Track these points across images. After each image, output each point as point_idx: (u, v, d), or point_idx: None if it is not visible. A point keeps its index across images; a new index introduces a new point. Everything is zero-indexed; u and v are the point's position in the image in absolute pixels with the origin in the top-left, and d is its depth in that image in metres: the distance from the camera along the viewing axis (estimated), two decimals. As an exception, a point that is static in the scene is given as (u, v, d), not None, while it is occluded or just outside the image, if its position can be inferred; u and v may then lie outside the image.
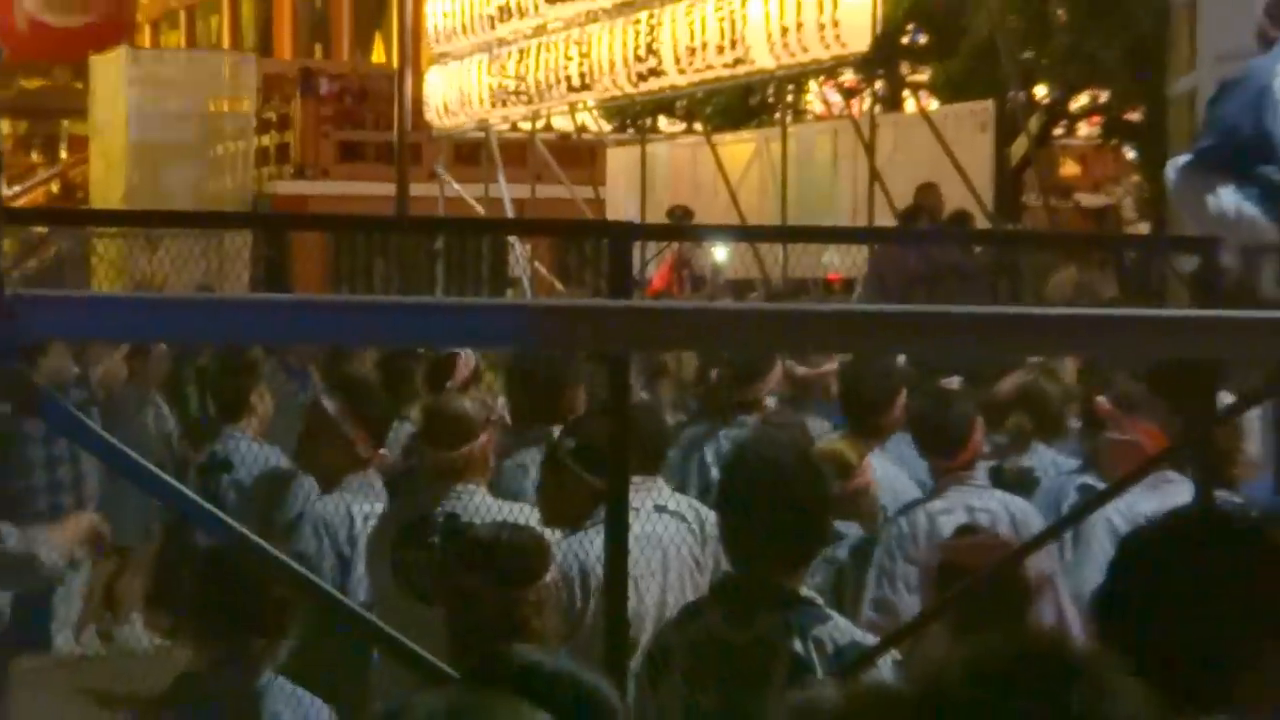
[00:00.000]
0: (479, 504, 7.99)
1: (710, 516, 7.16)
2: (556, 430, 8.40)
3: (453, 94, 26.59)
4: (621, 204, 25.87)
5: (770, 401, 10.47)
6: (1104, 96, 24.48)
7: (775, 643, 5.31)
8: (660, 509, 7.45)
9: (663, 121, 28.11)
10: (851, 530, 8.07)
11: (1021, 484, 8.87)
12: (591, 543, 6.86)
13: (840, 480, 7.63)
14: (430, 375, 11.50)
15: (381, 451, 8.68)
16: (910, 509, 8.06)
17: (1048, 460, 9.40)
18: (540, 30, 23.98)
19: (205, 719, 5.81)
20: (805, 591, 5.65)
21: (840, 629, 5.53)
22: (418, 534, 7.67)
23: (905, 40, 24.05)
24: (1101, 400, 9.28)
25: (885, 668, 5.32)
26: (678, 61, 20.65)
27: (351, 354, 13.41)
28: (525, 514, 8.07)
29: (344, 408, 8.45)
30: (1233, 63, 11.89)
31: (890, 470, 8.79)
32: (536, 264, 25.02)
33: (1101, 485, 7.87)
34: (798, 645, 5.33)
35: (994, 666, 2.17)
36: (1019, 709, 2.12)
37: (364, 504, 8.15)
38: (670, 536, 7.36)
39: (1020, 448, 9.28)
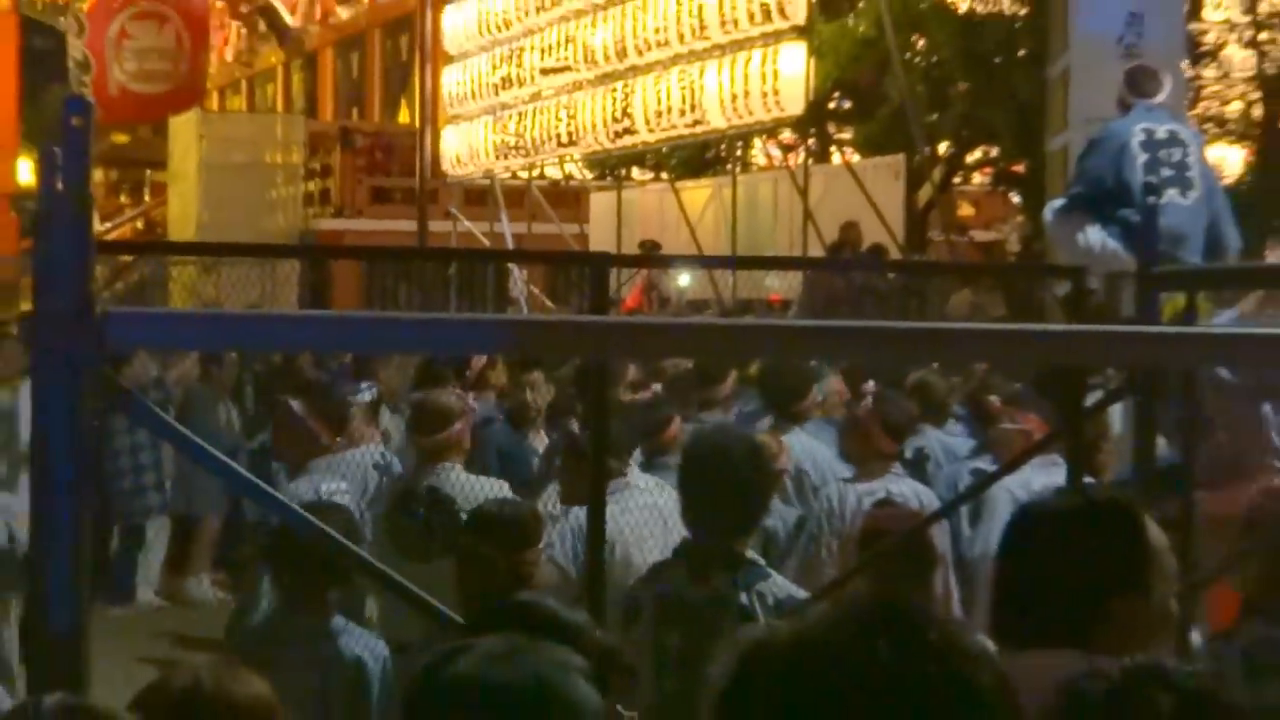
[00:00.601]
0: (456, 479, 8.05)
1: None
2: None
3: (464, 148, 26.52)
4: (601, 238, 25.82)
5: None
6: (994, 152, 24.45)
7: (726, 596, 5.32)
8: (661, 485, 7.46)
9: (635, 171, 28.09)
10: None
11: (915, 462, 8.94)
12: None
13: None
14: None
15: (339, 439, 8.73)
16: (841, 487, 8.10)
17: (934, 438, 9.46)
18: (536, 97, 23.93)
19: (290, 654, 5.77)
20: (750, 554, 5.66)
21: (779, 585, 5.54)
22: (406, 504, 7.68)
23: (832, 105, 24.01)
24: (994, 399, 9.32)
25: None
26: (647, 122, 20.62)
27: (315, 361, 13.44)
28: (499, 487, 8.12)
29: (307, 406, 8.49)
30: (1098, 123, 11.92)
31: (810, 444, 8.89)
32: (532, 287, 24.93)
33: (991, 469, 7.91)
34: (744, 598, 5.34)
35: (858, 615, 2.14)
36: (870, 648, 2.08)
37: (330, 483, 8.18)
38: (670, 506, 7.37)
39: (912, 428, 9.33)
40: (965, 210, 27.22)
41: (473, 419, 8.98)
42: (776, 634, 2.15)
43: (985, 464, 8.61)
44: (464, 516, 7.79)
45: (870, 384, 10.23)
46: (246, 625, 6.60)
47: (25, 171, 37.99)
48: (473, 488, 8.06)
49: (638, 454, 8.51)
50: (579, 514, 7.04)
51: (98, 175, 37.33)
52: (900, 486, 8.02)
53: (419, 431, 8.42)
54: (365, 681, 5.84)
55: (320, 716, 5.72)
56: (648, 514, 7.38)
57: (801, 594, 5.56)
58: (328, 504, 6.55)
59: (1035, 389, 9.48)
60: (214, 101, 43.31)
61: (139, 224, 38.47)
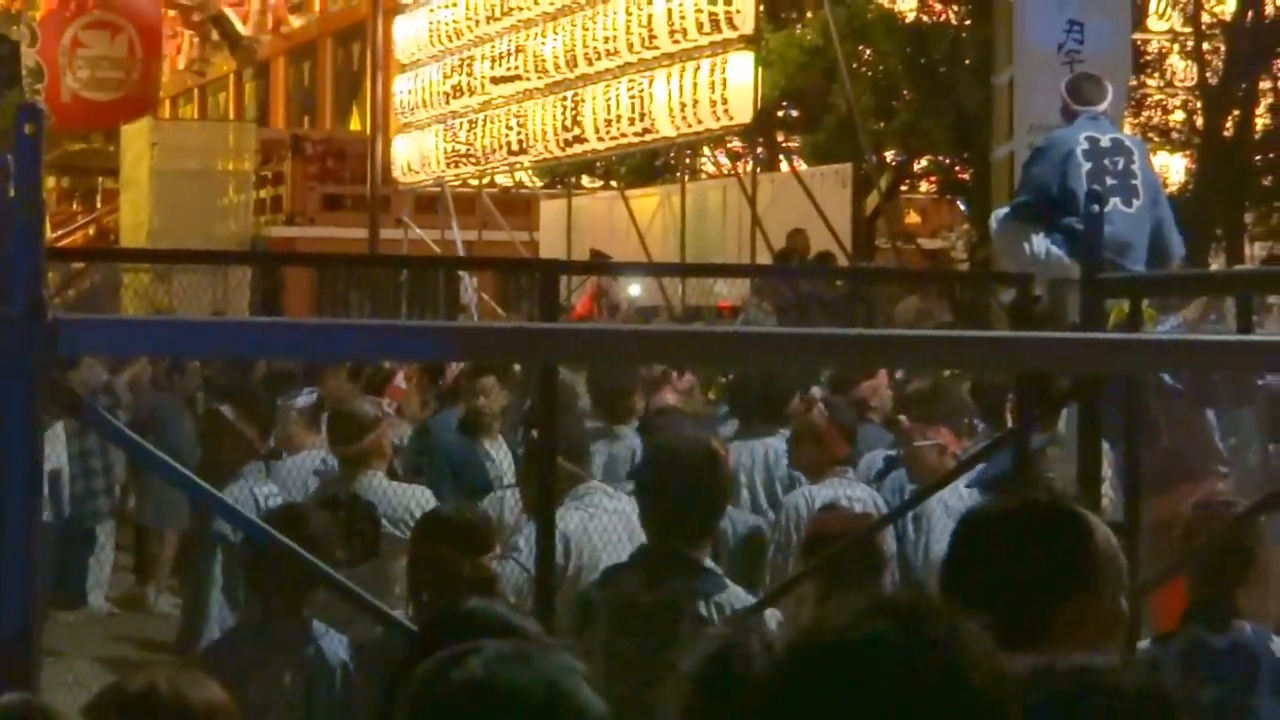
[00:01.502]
0: (378, 486, 8.06)
1: None
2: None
3: (415, 156, 26.50)
4: (552, 246, 25.78)
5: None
6: (940, 160, 24.52)
7: (682, 604, 5.29)
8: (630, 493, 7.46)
9: (585, 179, 28.08)
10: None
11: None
12: (564, 518, 6.86)
13: None
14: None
15: (269, 443, 8.80)
16: (800, 494, 8.12)
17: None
18: (486, 105, 23.93)
19: (271, 658, 5.77)
20: (708, 563, 5.63)
21: (737, 595, 5.51)
22: (330, 510, 7.66)
23: (780, 114, 24.05)
24: (903, 419, 9.35)
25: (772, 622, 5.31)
26: (597, 131, 20.64)
27: (243, 367, 13.40)
28: (422, 494, 8.14)
29: (238, 411, 8.48)
30: (1042, 132, 11.96)
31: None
32: (483, 294, 24.91)
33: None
34: (701, 607, 5.30)
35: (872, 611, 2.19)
36: (888, 642, 2.14)
37: (262, 486, 8.18)
38: (633, 511, 7.38)
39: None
40: (911, 218, 27.33)
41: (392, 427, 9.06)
42: (820, 633, 2.18)
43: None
44: (385, 522, 7.84)
45: (815, 391, 10.23)
46: (227, 633, 6.54)
47: (-23, 179, 37.88)
48: (393, 494, 8.10)
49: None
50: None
51: (50, 182, 37.19)
52: (853, 490, 8.04)
53: (337, 441, 8.49)
54: (350, 684, 5.81)
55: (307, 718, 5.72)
56: (614, 519, 7.37)
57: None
58: (302, 511, 6.51)
59: (972, 394, 9.53)
60: (166, 109, 43.19)
61: (91, 231, 38.36)
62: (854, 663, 2.14)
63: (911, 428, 8.84)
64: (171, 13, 41.90)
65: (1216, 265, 19.46)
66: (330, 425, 8.84)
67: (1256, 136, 22.73)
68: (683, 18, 18.49)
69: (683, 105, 18.60)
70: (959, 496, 6.84)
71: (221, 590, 7.63)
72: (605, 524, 7.32)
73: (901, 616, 2.19)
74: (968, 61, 20.51)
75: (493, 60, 23.51)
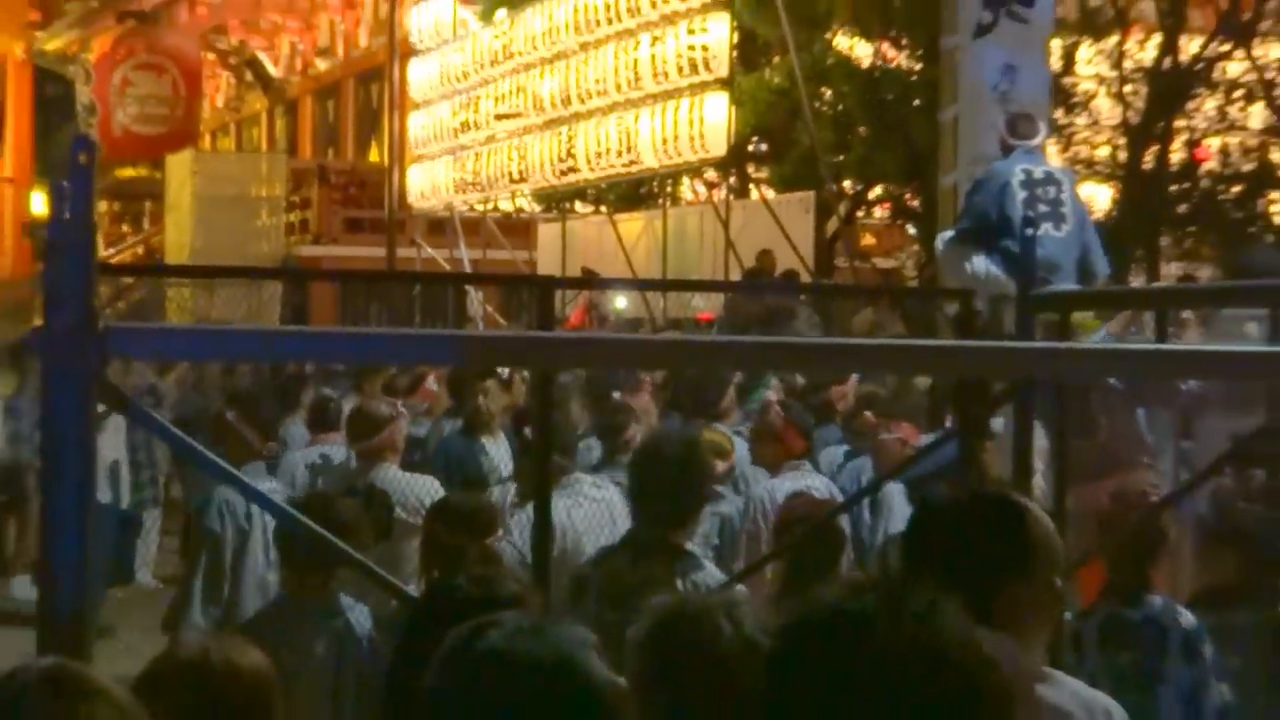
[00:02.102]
0: (392, 476, 8.05)
1: None
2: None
3: (427, 184, 26.47)
4: (548, 264, 25.74)
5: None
6: (891, 189, 24.49)
7: (663, 582, 5.30)
8: (618, 482, 7.45)
9: (578, 205, 28.02)
10: (728, 491, 8.20)
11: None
12: (554, 506, 6.86)
13: (720, 459, 7.79)
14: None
15: (272, 445, 8.76)
16: (765, 485, 8.12)
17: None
18: (490, 139, 23.91)
19: (304, 629, 5.74)
20: (689, 546, 5.65)
21: (713, 574, 5.53)
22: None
23: (750, 148, 23.99)
24: (868, 414, 9.35)
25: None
26: (588, 162, 20.63)
27: (245, 373, 13.36)
28: (430, 483, 8.12)
29: (240, 415, 8.44)
30: (983, 164, 11.98)
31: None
32: (487, 306, 24.89)
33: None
34: (680, 585, 5.31)
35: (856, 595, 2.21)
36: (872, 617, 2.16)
37: (261, 483, 8.05)
38: (615, 500, 7.37)
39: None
40: (867, 240, 27.25)
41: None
42: (815, 608, 2.19)
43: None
44: (397, 509, 7.83)
45: (771, 395, 10.21)
46: (264, 607, 6.46)
47: (39, 203, 37.80)
48: (405, 483, 8.09)
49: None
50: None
51: (102, 206, 37.23)
52: (811, 480, 8.06)
53: (356, 437, 8.48)
54: (376, 653, 5.79)
55: (334, 687, 5.68)
56: (596, 507, 7.38)
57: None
58: (332, 499, 6.44)
59: (929, 396, 9.53)
60: (206, 142, 43.12)
61: (139, 249, 38.35)
62: (846, 633, 2.14)
63: (877, 423, 8.86)
64: (211, 56, 41.93)
65: (1137, 283, 19.46)
66: (349, 423, 8.83)
67: (1172, 169, 22.80)
68: (664, 62, 18.50)
69: (665, 139, 18.61)
70: (901, 491, 6.85)
71: (202, 577, 7.54)
72: (589, 511, 7.31)
73: (886, 593, 2.19)
74: (916, 102, 20.46)
75: (496, 99, 23.51)
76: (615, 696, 2.53)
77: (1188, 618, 5.43)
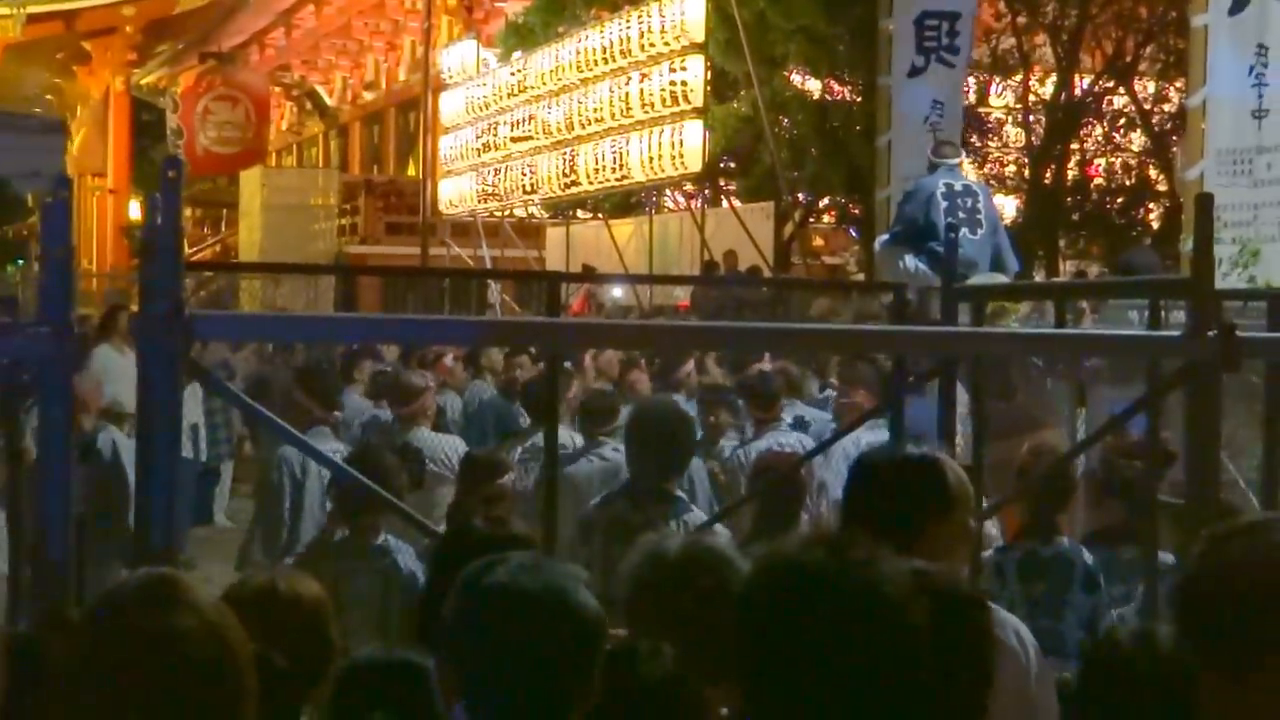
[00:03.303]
0: (424, 436, 8.00)
1: None
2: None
3: (455, 194, 26.42)
4: (555, 262, 25.77)
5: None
6: (838, 199, 24.46)
7: (657, 522, 5.28)
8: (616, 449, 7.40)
9: (579, 212, 27.97)
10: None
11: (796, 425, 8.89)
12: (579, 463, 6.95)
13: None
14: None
15: (336, 414, 8.10)
16: (742, 450, 8.06)
17: (801, 407, 9.38)
18: (507, 158, 23.86)
19: (355, 565, 5.65)
20: (678, 492, 5.64)
21: (698, 516, 5.51)
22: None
23: (721, 165, 23.95)
24: (833, 380, 9.31)
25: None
26: (588, 177, 20.60)
27: (300, 350, 13.21)
28: (456, 442, 8.08)
29: (300, 386, 7.98)
30: (912, 180, 11.98)
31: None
32: (505, 296, 24.86)
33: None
34: (672, 525, 5.29)
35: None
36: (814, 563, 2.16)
37: (326, 445, 7.29)
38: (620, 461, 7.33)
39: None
40: (818, 242, 27.21)
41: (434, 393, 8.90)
42: (774, 558, 2.20)
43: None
44: (429, 463, 7.71)
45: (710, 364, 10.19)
46: (312, 545, 6.27)
47: (135, 210, 37.74)
48: (435, 442, 8.02)
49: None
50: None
51: (187, 213, 37.12)
52: (786, 438, 8.01)
53: (394, 404, 8.44)
54: (418, 589, 5.72)
55: (381, 616, 5.60)
56: (610, 463, 7.27)
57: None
58: (379, 453, 6.30)
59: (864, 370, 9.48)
60: (272, 160, 43.02)
61: (217, 249, 38.28)
62: (799, 580, 2.14)
63: (839, 388, 8.81)
64: (277, 89, 41.97)
65: (1039, 278, 19.46)
66: (389, 391, 8.78)
67: (1068, 184, 22.92)
68: (650, 94, 18.48)
69: (651, 158, 18.59)
70: (855, 444, 6.80)
71: (284, 515, 7.16)
72: (608, 465, 7.18)
73: (833, 546, 2.18)
74: (858, 128, 20.41)
75: (512, 125, 23.46)
76: (598, 624, 2.54)
77: (1088, 555, 5.43)
